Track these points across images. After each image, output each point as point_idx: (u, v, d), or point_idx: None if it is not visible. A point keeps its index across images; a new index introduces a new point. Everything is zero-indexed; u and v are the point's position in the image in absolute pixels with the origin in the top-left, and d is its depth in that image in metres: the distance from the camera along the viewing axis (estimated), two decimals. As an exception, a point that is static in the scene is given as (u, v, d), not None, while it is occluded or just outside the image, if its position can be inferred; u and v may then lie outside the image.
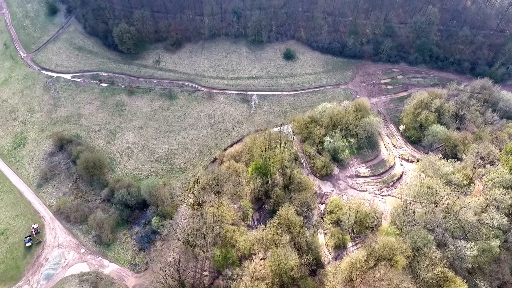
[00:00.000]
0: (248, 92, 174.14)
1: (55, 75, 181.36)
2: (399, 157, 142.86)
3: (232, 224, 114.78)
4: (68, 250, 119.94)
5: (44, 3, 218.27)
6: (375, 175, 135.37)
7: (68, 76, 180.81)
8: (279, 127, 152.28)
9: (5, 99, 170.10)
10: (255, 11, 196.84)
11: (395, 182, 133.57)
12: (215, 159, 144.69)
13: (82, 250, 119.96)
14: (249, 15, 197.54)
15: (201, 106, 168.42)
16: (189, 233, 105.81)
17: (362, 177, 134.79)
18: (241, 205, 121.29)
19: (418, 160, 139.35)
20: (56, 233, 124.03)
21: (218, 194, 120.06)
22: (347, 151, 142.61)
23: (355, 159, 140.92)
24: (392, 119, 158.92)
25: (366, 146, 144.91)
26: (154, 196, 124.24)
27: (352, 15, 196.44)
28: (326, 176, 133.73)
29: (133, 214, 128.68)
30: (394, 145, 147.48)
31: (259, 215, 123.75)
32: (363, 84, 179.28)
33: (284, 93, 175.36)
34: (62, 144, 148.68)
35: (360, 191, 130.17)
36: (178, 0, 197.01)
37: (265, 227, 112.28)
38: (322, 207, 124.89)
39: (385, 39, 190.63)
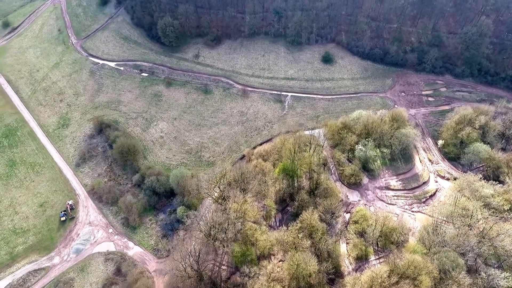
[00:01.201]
0: (283, 93, 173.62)
1: (100, 62, 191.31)
2: (434, 173, 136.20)
3: (254, 223, 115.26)
4: (97, 228, 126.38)
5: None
6: (406, 189, 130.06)
7: (112, 64, 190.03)
8: (310, 131, 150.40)
9: (54, 81, 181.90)
10: (297, 12, 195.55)
11: (427, 199, 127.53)
12: (244, 156, 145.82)
13: (110, 230, 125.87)
14: (290, 16, 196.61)
15: (235, 102, 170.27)
16: (212, 226, 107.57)
17: (393, 190, 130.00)
18: (265, 204, 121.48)
19: (455, 179, 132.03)
20: (88, 211, 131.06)
21: (243, 191, 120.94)
22: (378, 161, 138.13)
23: (386, 171, 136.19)
24: (430, 133, 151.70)
25: (400, 158, 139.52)
26: (181, 186, 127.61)
27: (398, 21, 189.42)
28: (354, 184, 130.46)
29: (160, 202, 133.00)
30: (430, 160, 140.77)
31: (282, 216, 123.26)
32: (402, 93, 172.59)
33: (319, 96, 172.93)
34: (101, 128, 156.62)
35: (388, 204, 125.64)
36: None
37: (287, 229, 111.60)
38: (347, 216, 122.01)
39: (431, 48, 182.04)
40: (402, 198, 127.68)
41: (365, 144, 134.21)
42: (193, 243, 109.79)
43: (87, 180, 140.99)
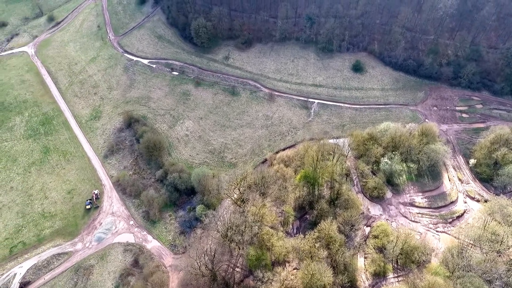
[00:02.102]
0: (309, 99, 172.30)
1: (134, 58, 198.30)
2: (463, 193, 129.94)
3: (271, 228, 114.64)
4: (119, 219, 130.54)
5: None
6: (432, 208, 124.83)
7: (145, 61, 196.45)
8: (335, 139, 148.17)
9: (90, 75, 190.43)
10: (329, 19, 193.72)
11: (454, 220, 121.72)
12: (266, 160, 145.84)
13: (131, 222, 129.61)
14: (322, 22, 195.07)
15: (261, 106, 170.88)
16: (229, 228, 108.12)
17: (417, 207, 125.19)
18: (283, 210, 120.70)
19: (485, 201, 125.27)
20: (112, 202, 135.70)
21: (263, 195, 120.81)
22: (404, 176, 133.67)
23: (412, 186, 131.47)
24: (462, 151, 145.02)
25: (427, 174, 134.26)
26: (202, 185, 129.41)
27: (435, 33, 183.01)
28: (376, 198, 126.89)
29: (180, 198, 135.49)
30: (459, 179, 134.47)
31: (300, 224, 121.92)
32: (434, 108, 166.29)
33: (346, 105, 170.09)
34: (130, 122, 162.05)
35: (412, 221, 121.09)
36: (256, 1, 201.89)
37: (304, 237, 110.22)
38: (367, 229, 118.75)
39: (468, 63, 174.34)
40: (426, 216, 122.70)
41: (391, 158, 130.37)
42: (210, 243, 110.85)
43: (113, 172, 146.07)
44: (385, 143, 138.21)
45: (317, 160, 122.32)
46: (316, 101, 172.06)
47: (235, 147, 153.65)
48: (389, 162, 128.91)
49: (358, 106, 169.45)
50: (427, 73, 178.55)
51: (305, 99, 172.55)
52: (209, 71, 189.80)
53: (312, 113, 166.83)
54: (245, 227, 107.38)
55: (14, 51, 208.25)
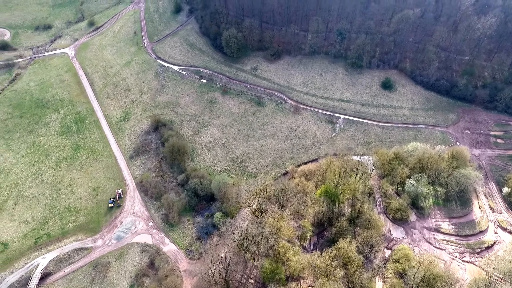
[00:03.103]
0: (335, 114, 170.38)
1: (166, 64, 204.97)
2: (494, 223, 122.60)
3: (288, 241, 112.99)
4: (139, 220, 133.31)
5: (173, 2, 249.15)
6: (459, 236, 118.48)
7: (176, 68, 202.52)
8: (359, 156, 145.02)
9: (124, 78, 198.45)
10: (361, 35, 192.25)
11: (482, 250, 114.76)
12: (287, 172, 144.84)
13: (150, 224, 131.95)
14: (353, 38, 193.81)
15: (285, 118, 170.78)
16: (245, 237, 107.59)
17: (443, 233, 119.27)
18: (301, 225, 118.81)
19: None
20: (134, 202, 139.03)
21: (281, 208, 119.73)
22: (431, 200, 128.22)
23: (438, 211, 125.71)
24: (495, 178, 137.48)
25: (456, 200, 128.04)
26: (222, 192, 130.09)
27: (471, 54, 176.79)
28: (399, 220, 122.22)
29: (199, 204, 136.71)
30: (491, 208, 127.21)
31: (317, 240, 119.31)
32: (467, 131, 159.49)
33: (373, 122, 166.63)
34: (157, 126, 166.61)
35: (436, 247, 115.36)
36: (287, 14, 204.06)
37: (321, 254, 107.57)
38: (388, 252, 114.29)
39: (506, 86, 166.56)
40: (452, 244, 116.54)
41: (417, 179, 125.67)
42: (225, 251, 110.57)
43: (137, 173, 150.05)
44: (411, 164, 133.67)
45: (339, 176, 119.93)
46: (342, 116, 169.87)
47: (257, 157, 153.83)
48: (415, 184, 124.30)
49: (385, 124, 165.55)
50: (460, 94, 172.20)
51: (331, 113, 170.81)
52: (236, 81, 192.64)
53: (337, 128, 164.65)
54: (262, 238, 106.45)
55: (56, 52, 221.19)
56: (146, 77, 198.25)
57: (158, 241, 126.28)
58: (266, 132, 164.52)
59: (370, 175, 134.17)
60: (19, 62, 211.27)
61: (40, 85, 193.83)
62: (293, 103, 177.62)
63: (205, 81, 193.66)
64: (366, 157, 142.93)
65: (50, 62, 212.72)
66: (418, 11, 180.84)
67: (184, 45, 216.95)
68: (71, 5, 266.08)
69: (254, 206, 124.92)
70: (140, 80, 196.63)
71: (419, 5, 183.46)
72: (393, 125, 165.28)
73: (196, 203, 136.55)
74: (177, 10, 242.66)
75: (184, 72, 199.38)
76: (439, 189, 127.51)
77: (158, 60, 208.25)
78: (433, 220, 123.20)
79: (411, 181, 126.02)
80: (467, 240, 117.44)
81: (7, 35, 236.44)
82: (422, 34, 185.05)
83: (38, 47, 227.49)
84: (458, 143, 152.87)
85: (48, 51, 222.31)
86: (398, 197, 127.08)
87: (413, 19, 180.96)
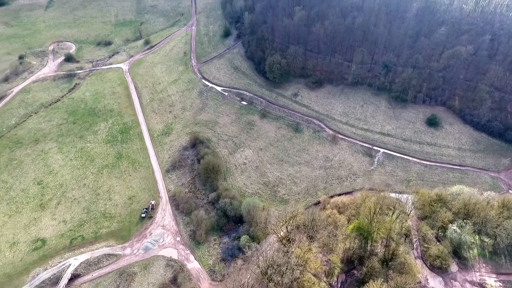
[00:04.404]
0: (374, 147, 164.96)
1: (210, 85, 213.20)
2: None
3: (314, 275, 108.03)
4: (168, 233, 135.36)
5: (223, 26, 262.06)
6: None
7: (219, 88, 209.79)
8: (397, 194, 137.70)
9: (170, 94, 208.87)
10: (407, 69, 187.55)
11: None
12: (319, 202, 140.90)
13: (178, 238, 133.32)
14: (399, 71, 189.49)
15: (322, 146, 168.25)
16: (270, 265, 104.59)
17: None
18: (329, 259, 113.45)
19: None
20: (164, 215, 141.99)
21: (310, 239, 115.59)
22: (475, 250, 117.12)
23: (484, 264, 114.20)
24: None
25: (505, 254, 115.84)
26: (251, 215, 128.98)
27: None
28: (438, 268, 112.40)
29: (227, 225, 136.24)
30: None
31: (345, 278, 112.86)
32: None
33: (415, 159, 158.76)
34: (195, 143, 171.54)
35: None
36: (332, 44, 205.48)
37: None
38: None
39: None
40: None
41: (461, 226, 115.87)
42: (248, 277, 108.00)
43: (171, 186, 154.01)
44: (455, 208, 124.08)
45: (374, 213, 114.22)
46: (382, 150, 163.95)
47: (290, 184, 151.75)
48: (459, 230, 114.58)
49: (428, 163, 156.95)
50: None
51: (370, 146, 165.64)
52: (276, 105, 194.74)
53: (376, 162, 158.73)
54: (287, 268, 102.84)
55: (112, 66, 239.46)
56: (190, 95, 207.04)
57: (183, 257, 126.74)
58: (301, 159, 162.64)
59: (408, 215, 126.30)
60: (79, 73, 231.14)
61: (94, 95, 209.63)
62: (331, 132, 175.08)
63: (246, 103, 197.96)
64: (405, 196, 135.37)
65: (106, 75, 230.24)
66: (471, 48, 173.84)
67: (229, 68, 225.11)
68: (131, 25, 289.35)
69: (282, 233, 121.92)
70: (184, 97, 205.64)
71: (472, 43, 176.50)
72: (437, 164, 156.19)
73: (224, 223, 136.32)
74: (226, 34, 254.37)
75: (226, 93, 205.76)
76: (486, 239, 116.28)
77: (203, 80, 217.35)
78: (477, 273, 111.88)
79: (454, 227, 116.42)
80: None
81: (72, 49, 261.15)
82: (474, 72, 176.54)
83: (97, 60, 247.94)
84: (510, 191, 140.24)
85: (106, 65, 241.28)
86: (438, 243, 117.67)
87: (465, 56, 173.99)
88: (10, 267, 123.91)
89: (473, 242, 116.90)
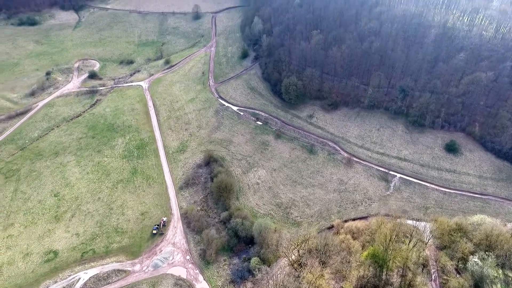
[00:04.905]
0: (390, 172, 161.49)
1: (226, 104, 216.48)
2: None
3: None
4: (178, 251, 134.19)
5: (241, 48, 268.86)
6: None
7: (235, 108, 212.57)
8: (414, 221, 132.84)
9: (186, 113, 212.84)
10: (425, 93, 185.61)
11: None
12: (332, 226, 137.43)
13: (188, 257, 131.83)
14: (417, 96, 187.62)
15: (336, 169, 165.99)
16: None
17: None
18: (342, 287, 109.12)
19: None
20: (175, 232, 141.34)
21: (322, 264, 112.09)
22: (499, 285, 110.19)
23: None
24: None
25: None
26: (262, 237, 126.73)
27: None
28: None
29: (238, 245, 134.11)
30: None
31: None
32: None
33: (433, 186, 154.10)
34: (209, 161, 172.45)
35: None
36: (349, 67, 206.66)
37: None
38: None
39: None
40: None
41: (483, 258, 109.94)
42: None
43: (183, 204, 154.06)
44: (477, 239, 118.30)
45: (390, 240, 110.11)
46: (398, 175, 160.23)
47: (303, 206, 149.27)
48: (480, 263, 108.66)
49: (447, 190, 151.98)
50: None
51: (386, 170, 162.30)
52: (291, 126, 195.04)
53: (392, 187, 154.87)
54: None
55: (133, 84, 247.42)
56: (206, 113, 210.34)
57: (192, 277, 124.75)
58: (315, 181, 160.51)
59: (426, 244, 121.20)
60: (101, 89, 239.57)
61: (114, 111, 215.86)
62: (346, 155, 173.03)
63: (261, 123, 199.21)
64: (422, 223, 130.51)
65: (126, 92, 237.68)
66: (492, 75, 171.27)
67: (246, 88, 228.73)
68: (153, 45, 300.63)
69: (293, 257, 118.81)
70: (201, 116, 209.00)
71: (492, 69, 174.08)
72: (457, 192, 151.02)
73: (235, 243, 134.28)
74: (244, 56, 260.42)
75: (241, 113, 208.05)
76: (511, 274, 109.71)
77: (220, 100, 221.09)
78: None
79: (475, 259, 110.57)
80: None
81: (96, 66, 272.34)
82: (495, 98, 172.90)
83: (119, 78, 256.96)
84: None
85: (127, 82, 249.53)
86: (458, 275, 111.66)
87: (485, 82, 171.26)
88: (22, 278, 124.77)
89: (496, 277, 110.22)
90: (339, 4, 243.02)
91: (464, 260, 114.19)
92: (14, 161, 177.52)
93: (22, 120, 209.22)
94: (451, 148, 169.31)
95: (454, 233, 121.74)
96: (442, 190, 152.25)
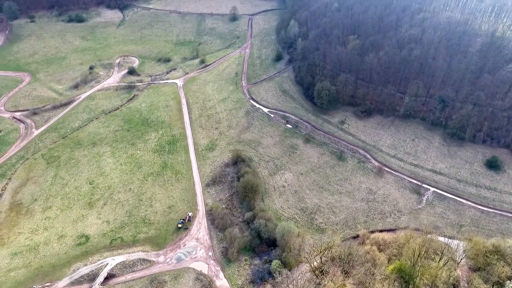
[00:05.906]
0: (424, 185, 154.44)
1: (257, 105, 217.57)
2: None
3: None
4: (201, 246, 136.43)
5: (275, 51, 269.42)
6: None
7: (265, 110, 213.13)
8: (446, 239, 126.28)
9: (218, 112, 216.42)
10: (467, 105, 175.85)
11: None
12: (357, 236, 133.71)
13: (210, 253, 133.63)
14: (457, 107, 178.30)
15: (366, 178, 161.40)
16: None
17: None
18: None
19: None
20: (200, 228, 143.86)
21: (345, 274, 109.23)
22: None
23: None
24: None
25: None
26: (284, 240, 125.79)
27: None
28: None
29: (260, 246, 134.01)
30: None
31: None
32: None
33: (470, 203, 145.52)
34: (237, 161, 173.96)
35: None
36: (385, 74, 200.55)
37: None
38: None
39: None
40: None
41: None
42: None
43: (209, 201, 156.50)
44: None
45: (418, 256, 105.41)
46: (432, 189, 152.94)
47: (328, 212, 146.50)
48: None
49: (485, 208, 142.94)
50: None
51: (419, 183, 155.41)
52: (321, 131, 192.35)
53: (424, 201, 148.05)
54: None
55: (168, 81, 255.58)
56: (237, 114, 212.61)
57: (213, 273, 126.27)
58: (343, 188, 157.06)
59: (458, 263, 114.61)
60: (139, 85, 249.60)
61: (149, 107, 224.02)
62: (376, 164, 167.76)
63: (290, 126, 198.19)
64: (455, 242, 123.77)
65: (161, 89, 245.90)
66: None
67: (277, 90, 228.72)
68: (190, 45, 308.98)
69: (315, 263, 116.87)
70: (231, 116, 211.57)
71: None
72: (496, 211, 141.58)
73: (257, 244, 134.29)
74: (278, 58, 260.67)
75: (272, 115, 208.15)
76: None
77: (251, 101, 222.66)
78: None
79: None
80: None
81: (135, 63, 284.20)
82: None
83: (156, 75, 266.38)
84: None
85: (163, 80, 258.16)
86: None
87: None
88: (56, 258, 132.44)
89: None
90: (379, 9, 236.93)
91: (500, 284, 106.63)
92: (55, 148, 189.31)
93: (66, 111, 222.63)
94: (492, 165, 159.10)
95: (490, 255, 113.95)
96: (479, 208, 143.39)
